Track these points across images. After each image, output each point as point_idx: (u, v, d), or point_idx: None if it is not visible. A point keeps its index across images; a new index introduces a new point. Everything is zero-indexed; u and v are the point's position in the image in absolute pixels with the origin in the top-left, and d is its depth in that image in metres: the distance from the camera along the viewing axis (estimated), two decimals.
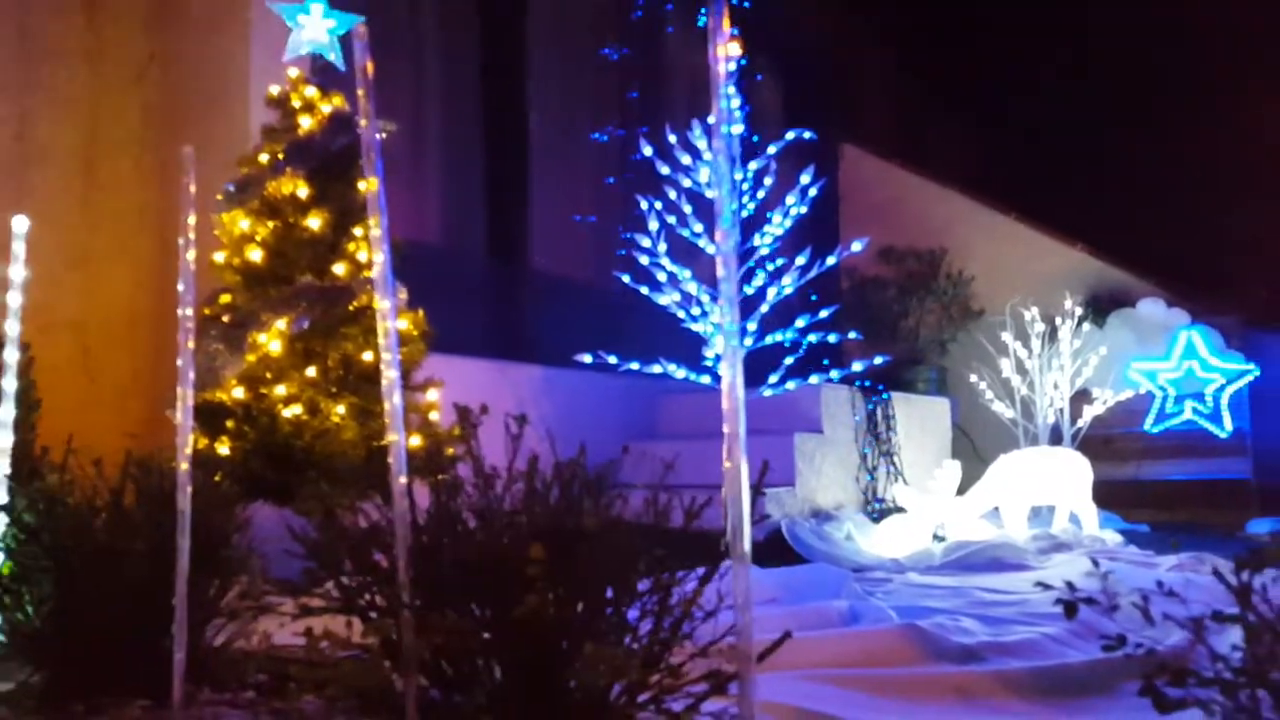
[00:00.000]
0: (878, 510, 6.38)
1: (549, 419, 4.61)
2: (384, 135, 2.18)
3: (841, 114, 9.09)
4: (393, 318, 2.16)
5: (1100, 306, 7.65)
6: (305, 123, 3.76)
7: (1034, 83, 10.71)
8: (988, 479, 6.07)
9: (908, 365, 8.42)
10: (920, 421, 7.30)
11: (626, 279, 4.03)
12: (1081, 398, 7.30)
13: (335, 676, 1.98)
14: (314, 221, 3.62)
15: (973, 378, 7.79)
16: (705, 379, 4.15)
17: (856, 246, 4.20)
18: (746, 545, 1.72)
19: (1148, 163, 9.75)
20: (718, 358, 4.13)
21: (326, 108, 3.84)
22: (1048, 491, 6.09)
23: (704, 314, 4.07)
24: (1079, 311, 7.44)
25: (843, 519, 5.83)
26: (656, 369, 4.05)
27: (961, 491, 6.05)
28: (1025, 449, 6.53)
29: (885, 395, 6.78)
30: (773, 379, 4.32)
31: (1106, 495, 6.51)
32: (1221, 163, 9.63)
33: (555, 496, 2.07)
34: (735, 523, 1.80)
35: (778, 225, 4.23)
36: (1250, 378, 6.87)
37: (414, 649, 1.84)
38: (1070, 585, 1.68)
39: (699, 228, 4.12)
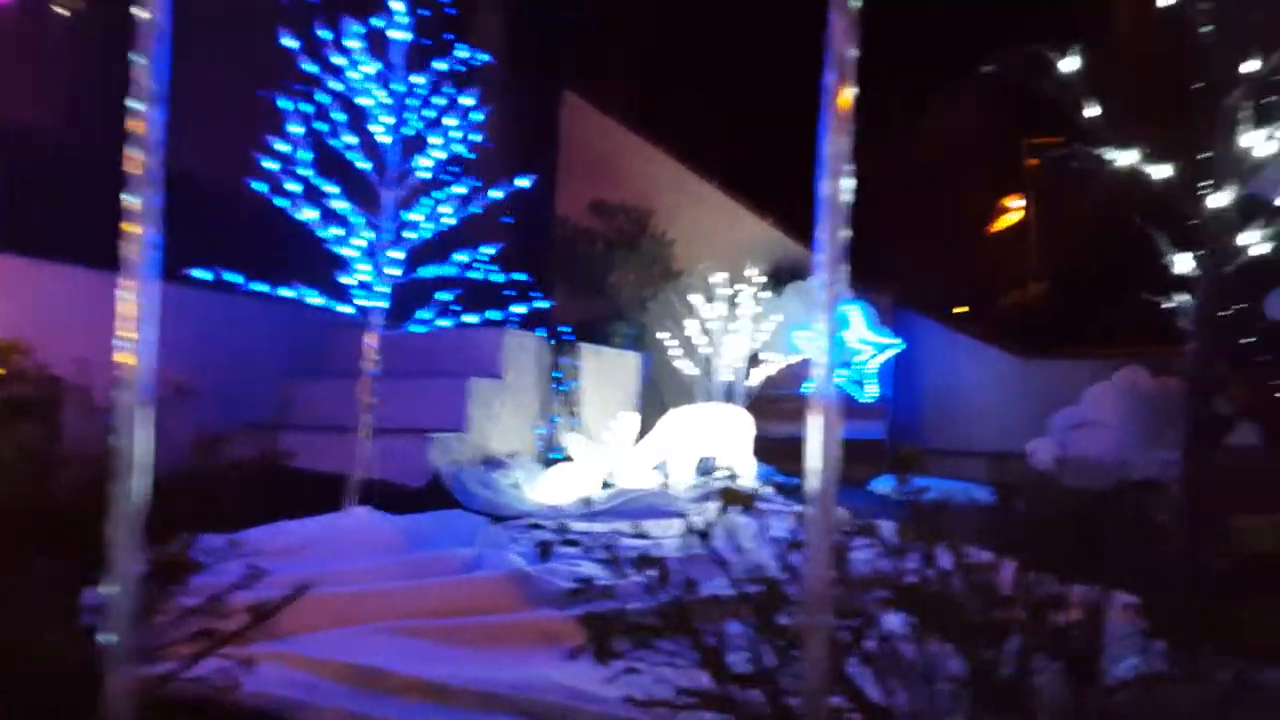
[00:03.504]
0: (554, 459, 6.41)
1: (183, 350, 4.05)
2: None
3: (567, 58, 8.94)
4: None
5: (780, 277, 8.18)
6: None
7: (748, 66, 11.25)
8: (658, 431, 6.29)
9: (609, 319, 8.54)
10: (608, 374, 7.43)
11: (261, 188, 3.58)
12: (756, 360, 7.79)
13: None
14: None
15: (663, 335, 8.06)
16: (347, 309, 3.81)
17: (524, 182, 4.03)
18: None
19: (856, 156, 10.66)
20: (362, 284, 3.81)
21: None
22: (712, 444, 6.42)
23: (349, 236, 3.72)
24: (761, 280, 7.91)
25: (514, 466, 5.77)
26: (288, 294, 3.65)
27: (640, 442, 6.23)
28: (694, 404, 6.84)
29: (573, 345, 6.80)
30: (424, 315, 4.07)
31: (772, 451, 6.99)
32: (886, 164, 10.81)
33: None
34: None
35: (442, 148, 3.93)
36: (895, 351, 7.68)
37: None
38: (563, 528, 1.62)
39: (351, 139, 3.74)
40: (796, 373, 7.84)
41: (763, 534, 1.62)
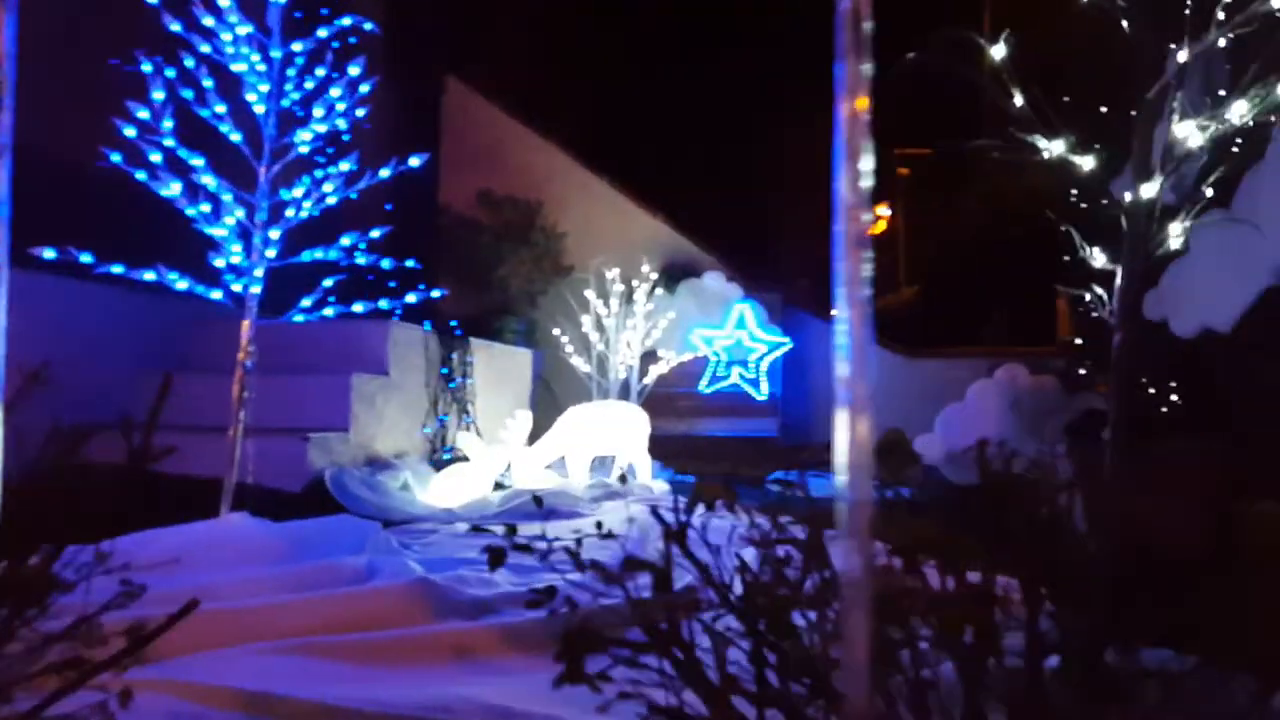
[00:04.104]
0: (445, 459, 6.11)
1: (25, 340, 3.56)
2: None
3: (450, 41, 8.60)
4: None
5: (673, 274, 8.15)
6: None
7: (644, 63, 11.24)
8: (555, 430, 6.11)
9: (497, 314, 8.29)
10: (500, 371, 7.17)
11: (117, 158, 3.17)
12: (650, 357, 7.72)
13: None
14: None
15: (555, 331, 7.88)
16: (216, 294, 3.44)
17: (415, 161, 3.77)
18: None
19: (724, 157, 10.89)
20: (232, 268, 3.45)
21: None
22: (609, 443, 6.29)
23: (219, 214, 3.35)
24: (654, 277, 7.85)
25: (401, 468, 5.45)
26: (151, 276, 3.26)
27: (534, 441, 6.02)
28: (591, 402, 6.70)
29: (464, 340, 6.52)
30: (306, 303, 3.73)
31: (665, 449, 6.93)
32: (777, 169, 11.09)
33: None
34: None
35: (325, 120, 3.62)
36: (785, 349, 7.77)
37: None
38: (512, 529, 1.44)
39: (221, 108, 3.38)
40: (690, 370, 7.82)
41: (731, 534, 1.48)
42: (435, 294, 4.05)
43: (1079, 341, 6.10)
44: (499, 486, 5.84)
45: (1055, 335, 9.15)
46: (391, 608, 2.79)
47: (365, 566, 3.29)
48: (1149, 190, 2.11)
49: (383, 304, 3.92)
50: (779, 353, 7.79)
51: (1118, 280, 2.37)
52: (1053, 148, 2.28)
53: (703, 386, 7.85)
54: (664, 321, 7.73)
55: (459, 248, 8.34)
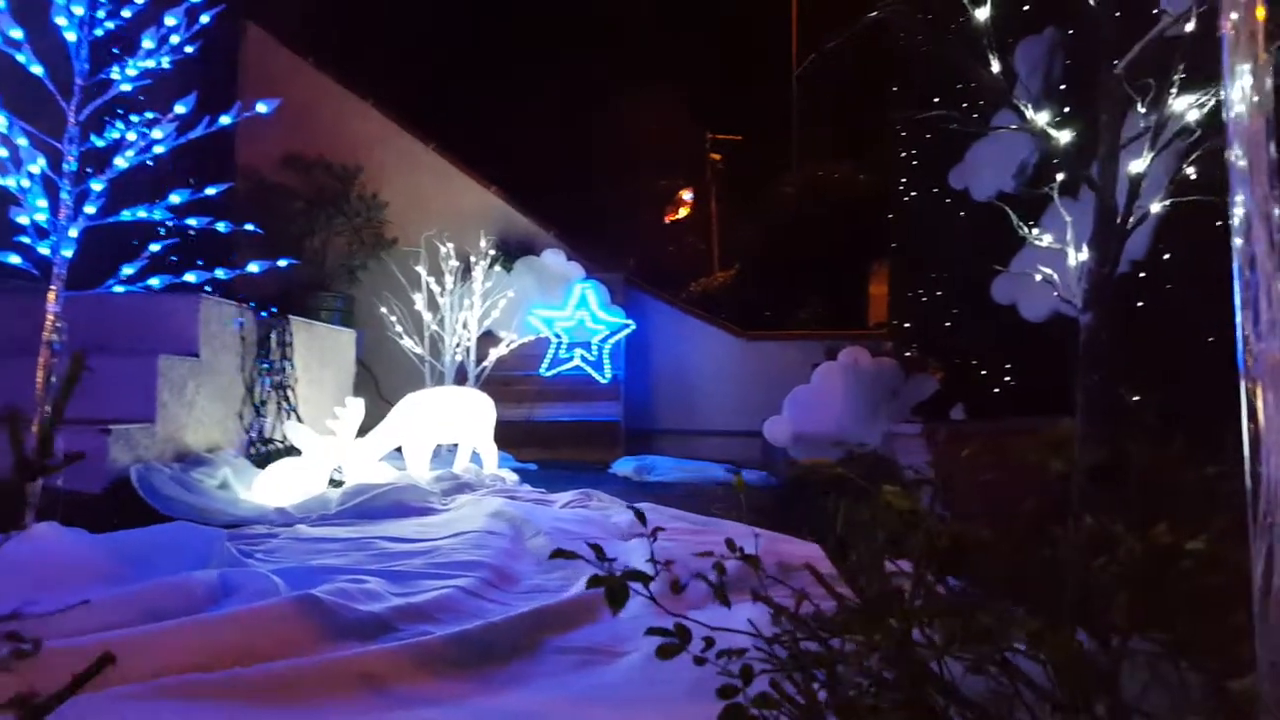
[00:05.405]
0: (266, 452, 5.44)
1: None
2: None
3: None
4: None
5: (509, 251, 7.76)
6: None
7: (470, 29, 10.73)
8: (392, 418, 5.61)
9: (311, 290, 7.54)
10: (321, 353, 6.51)
11: None
12: (487, 339, 7.32)
13: None
14: None
15: (382, 309, 7.28)
16: (14, 259, 2.75)
17: (262, 108, 3.23)
18: None
19: (564, 137, 10.69)
20: (35, 228, 2.77)
21: None
22: (452, 431, 5.88)
23: (18, 164, 2.67)
24: (491, 253, 7.45)
25: (218, 463, 4.77)
26: None
27: (364, 431, 5.48)
28: (431, 388, 6.23)
29: (283, 319, 5.83)
30: (128, 271, 3.09)
31: (503, 435, 6.59)
32: (618, 153, 11.06)
33: None
34: None
35: (153, 55, 3.00)
36: (627, 331, 7.62)
37: None
38: (634, 574, 1.14)
39: (17, 33, 2.68)
40: (529, 353, 7.50)
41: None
42: (283, 263, 3.51)
43: (907, 325, 6.42)
44: (333, 482, 5.27)
45: (866, 318, 9.68)
46: (276, 632, 2.34)
47: (218, 583, 2.78)
48: (1137, 166, 2.12)
49: (220, 274, 3.34)
50: (621, 334, 7.64)
51: (1070, 260, 2.41)
52: (1037, 119, 2.25)
53: (544, 369, 7.55)
54: (502, 301, 7.35)
55: (264, 215, 7.48)
